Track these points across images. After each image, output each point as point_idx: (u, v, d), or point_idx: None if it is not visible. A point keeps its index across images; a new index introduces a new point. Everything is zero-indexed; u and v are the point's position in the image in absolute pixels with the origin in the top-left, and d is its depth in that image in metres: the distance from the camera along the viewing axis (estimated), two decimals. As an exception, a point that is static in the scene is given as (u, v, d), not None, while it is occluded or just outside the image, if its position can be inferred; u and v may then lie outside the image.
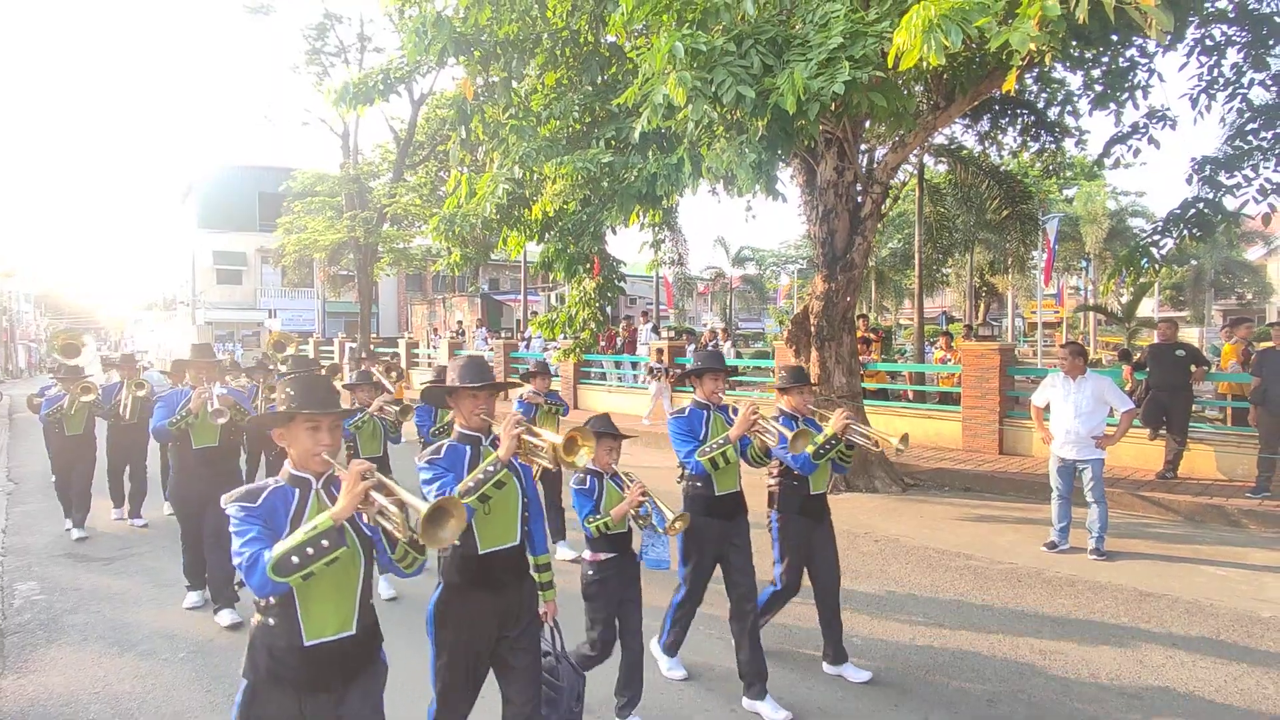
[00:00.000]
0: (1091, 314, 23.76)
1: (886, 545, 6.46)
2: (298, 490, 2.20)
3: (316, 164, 28.69)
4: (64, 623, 5.03)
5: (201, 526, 5.03)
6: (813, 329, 8.72)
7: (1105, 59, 7.72)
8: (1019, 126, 11.51)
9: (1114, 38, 7.00)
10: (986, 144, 12.29)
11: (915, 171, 13.52)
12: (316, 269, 30.13)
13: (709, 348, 16.15)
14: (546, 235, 8.85)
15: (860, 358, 9.69)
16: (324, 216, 23.94)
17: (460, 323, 28.05)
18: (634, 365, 15.54)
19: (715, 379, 3.78)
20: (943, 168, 15.25)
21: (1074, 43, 6.72)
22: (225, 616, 4.95)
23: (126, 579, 5.96)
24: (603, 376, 15.64)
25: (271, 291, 36.88)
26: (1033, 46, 3.40)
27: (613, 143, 6.50)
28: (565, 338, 10.69)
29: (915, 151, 10.75)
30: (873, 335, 13.17)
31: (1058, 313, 24.26)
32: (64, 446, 7.32)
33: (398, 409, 5.75)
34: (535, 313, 21.77)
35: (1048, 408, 6.26)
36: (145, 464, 7.73)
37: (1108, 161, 8.31)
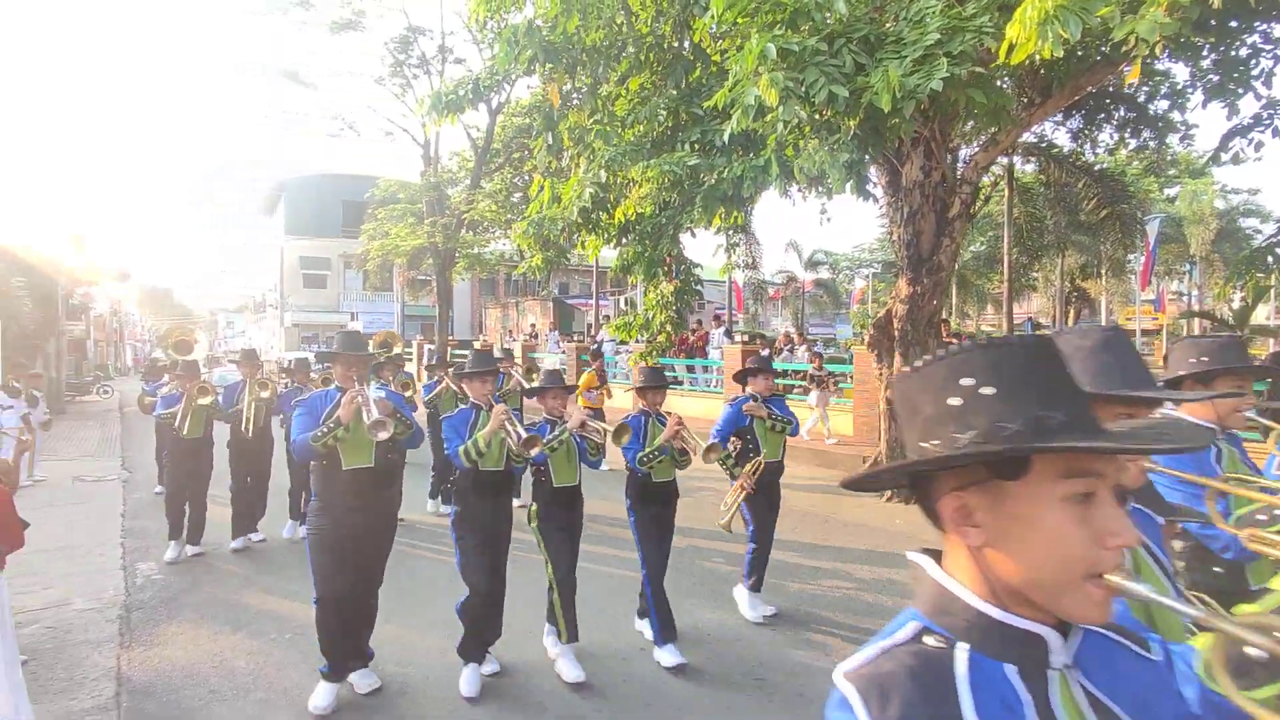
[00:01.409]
0: (1197, 321, 22.24)
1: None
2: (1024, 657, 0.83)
3: (398, 172, 29.88)
4: (181, 601, 5.38)
5: (351, 576, 3.77)
6: (896, 333, 8.50)
7: (1221, 47, 7.24)
8: (1116, 122, 10.93)
9: (1233, 24, 6.56)
10: (1080, 141, 11.70)
11: (1004, 171, 12.99)
12: (396, 273, 31.35)
13: (783, 350, 15.94)
14: (624, 239, 8.93)
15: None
16: (405, 223, 24.85)
17: (533, 325, 28.60)
18: (705, 370, 15.50)
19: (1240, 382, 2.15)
20: (1031, 166, 14.60)
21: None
22: (362, 681, 3.89)
23: (235, 562, 6.33)
24: (676, 381, 15.66)
25: (353, 295, 38.56)
26: (1160, 35, 3.22)
27: (697, 145, 6.51)
28: (639, 340, 10.75)
29: (1006, 150, 10.35)
30: (955, 341, 12.71)
31: (1157, 319, 22.76)
32: (180, 451, 6.53)
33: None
34: (607, 316, 21.99)
35: None
36: (269, 474, 7.03)
37: (1225, 156, 7.78)
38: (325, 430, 3.63)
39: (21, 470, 8.75)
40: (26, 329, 17.55)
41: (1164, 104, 10.07)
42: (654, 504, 4.41)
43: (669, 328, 9.45)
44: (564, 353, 18.74)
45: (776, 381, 14.97)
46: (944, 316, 14.54)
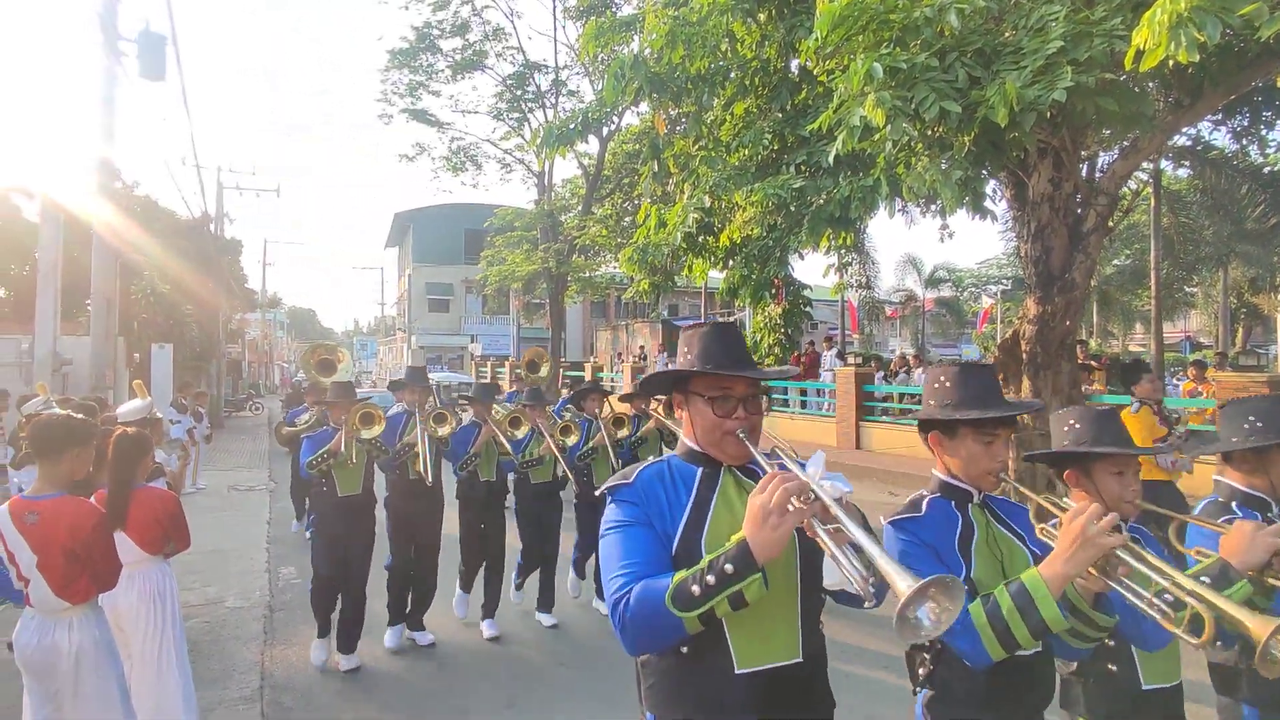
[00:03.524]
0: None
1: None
2: None
3: (515, 198, 31.60)
4: (316, 605, 5.82)
5: None
6: (1024, 356, 7.95)
7: None
8: (1290, 119, 9.78)
9: None
10: (1245, 142, 10.54)
11: (1149, 179, 11.92)
12: (512, 297, 32.88)
13: (899, 373, 15.24)
14: (731, 262, 8.92)
15: (1082, 388, 8.66)
16: (521, 250, 26.04)
17: (642, 348, 28.95)
18: (819, 392, 15.10)
19: None
20: (1184, 172, 13.32)
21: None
22: None
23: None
24: (785, 403, 15.36)
25: (473, 318, 40.82)
26: (1321, 29, 2.88)
27: (803, 168, 6.43)
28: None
29: (1150, 156, 9.50)
30: (1094, 363, 11.72)
31: (1347, 338, 19.89)
32: (332, 515, 4.51)
33: None
34: (715, 338, 21.90)
35: None
36: (439, 543, 5.05)
37: None
38: (713, 582, 1.39)
39: (186, 479, 9.83)
40: (195, 351, 19.80)
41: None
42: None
43: (777, 350, 9.32)
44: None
45: (890, 405, 14.18)
46: (1082, 337, 13.45)
